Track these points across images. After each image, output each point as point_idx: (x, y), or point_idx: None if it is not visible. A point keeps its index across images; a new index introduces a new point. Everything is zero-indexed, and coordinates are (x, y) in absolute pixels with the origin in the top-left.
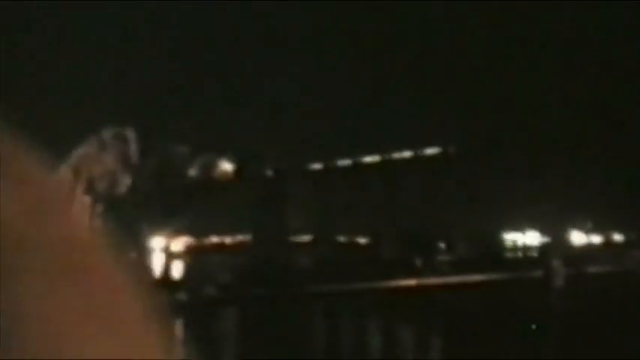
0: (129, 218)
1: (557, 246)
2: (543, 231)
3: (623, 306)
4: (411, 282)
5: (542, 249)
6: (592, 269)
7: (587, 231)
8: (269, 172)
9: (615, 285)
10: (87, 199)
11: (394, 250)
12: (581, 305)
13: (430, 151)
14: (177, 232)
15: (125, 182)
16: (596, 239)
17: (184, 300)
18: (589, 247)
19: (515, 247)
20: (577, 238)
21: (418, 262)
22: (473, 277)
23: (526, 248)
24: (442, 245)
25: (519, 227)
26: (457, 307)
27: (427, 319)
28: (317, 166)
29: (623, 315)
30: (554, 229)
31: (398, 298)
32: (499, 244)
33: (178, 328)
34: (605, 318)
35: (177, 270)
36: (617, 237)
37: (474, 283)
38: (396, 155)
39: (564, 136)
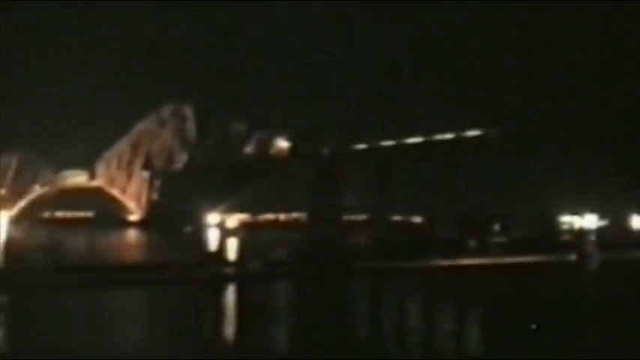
0: (186, 194)
1: (593, 230)
2: (601, 214)
3: None
4: (445, 262)
5: (579, 233)
6: (632, 254)
7: None
8: (325, 151)
9: None
10: (145, 174)
11: (449, 230)
12: (614, 290)
13: (471, 133)
14: (233, 208)
15: (182, 158)
16: None
17: (238, 274)
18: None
19: (571, 230)
20: (637, 222)
21: (472, 243)
22: (503, 259)
23: (583, 232)
24: (497, 227)
25: (577, 210)
26: (490, 288)
27: (465, 298)
28: (372, 145)
29: None
30: (613, 212)
31: (439, 277)
32: (555, 227)
33: (231, 300)
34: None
35: (232, 245)
36: None
37: (506, 265)
38: (444, 136)
39: (623, 119)
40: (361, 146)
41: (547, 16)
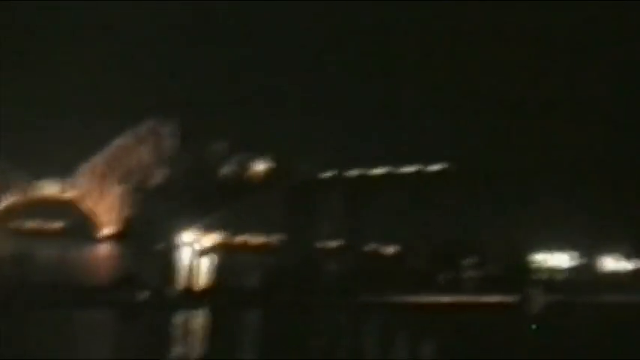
0: (161, 211)
1: (536, 270)
2: (574, 253)
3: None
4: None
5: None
6: (580, 298)
7: (620, 257)
8: (302, 177)
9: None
10: (121, 189)
11: (421, 262)
12: (555, 336)
13: (434, 167)
14: (208, 228)
15: (159, 175)
16: (629, 266)
17: (152, 300)
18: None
19: (542, 268)
20: (609, 263)
21: (441, 276)
22: (440, 298)
23: (554, 270)
24: (469, 261)
25: (550, 248)
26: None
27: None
28: (349, 174)
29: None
30: (586, 252)
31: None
32: (526, 264)
33: (202, 326)
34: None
35: (205, 266)
36: None
37: (436, 305)
38: (408, 169)
39: (602, 157)
40: (328, 174)
41: (510, 49)
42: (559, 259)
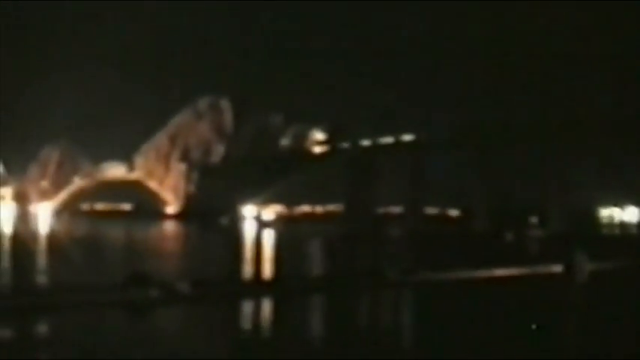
0: (222, 186)
1: (604, 225)
2: None
3: None
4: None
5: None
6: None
7: None
8: (360, 143)
9: None
10: (182, 167)
11: (485, 223)
12: (604, 303)
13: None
14: (270, 200)
15: (219, 151)
16: None
17: (163, 297)
18: None
19: (612, 224)
20: None
21: (509, 236)
22: (487, 272)
23: (623, 224)
24: (534, 220)
25: (617, 203)
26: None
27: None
28: (408, 138)
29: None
30: None
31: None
32: (594, 220)
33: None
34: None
35: (269, 238)
36: None
37: (496, 278)
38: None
39: None
40: (388, 140)
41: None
42: (629, 213)
